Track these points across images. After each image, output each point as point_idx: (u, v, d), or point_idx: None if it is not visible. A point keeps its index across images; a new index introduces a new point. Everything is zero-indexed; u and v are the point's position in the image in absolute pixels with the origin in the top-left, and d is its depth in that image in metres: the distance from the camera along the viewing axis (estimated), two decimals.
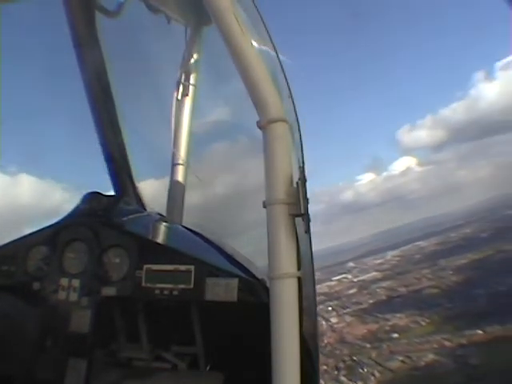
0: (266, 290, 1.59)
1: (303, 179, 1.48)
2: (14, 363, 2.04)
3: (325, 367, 31.60)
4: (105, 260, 2.16)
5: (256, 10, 1.61)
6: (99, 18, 2.52)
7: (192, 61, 2.89)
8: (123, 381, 2.19)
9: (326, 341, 37.16)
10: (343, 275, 59.16)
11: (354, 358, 34.96)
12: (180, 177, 2.82)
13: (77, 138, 3.32)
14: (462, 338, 33.47)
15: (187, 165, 2.84)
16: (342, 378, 32.23)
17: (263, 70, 1.50)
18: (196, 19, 2.84)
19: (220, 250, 2.25)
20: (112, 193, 2.79)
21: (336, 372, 32.85)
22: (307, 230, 1.49)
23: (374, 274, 58.26)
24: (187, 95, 2.89)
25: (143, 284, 2.03)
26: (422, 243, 69.28)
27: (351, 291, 52.42)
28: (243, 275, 1.94)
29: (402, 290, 48.41)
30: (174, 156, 2.85)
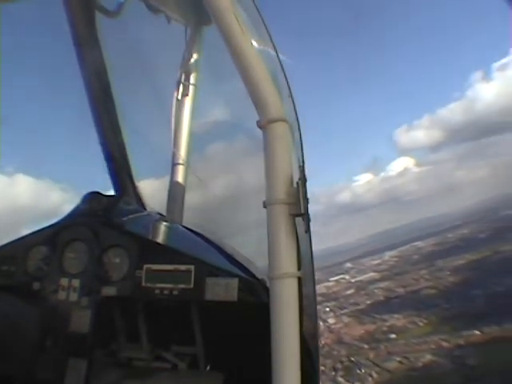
0: (266, 289, 1.59)
1: (303, 179, 1.48)
2: (14, 363, 2.03)
3: (322, 368, 31.57)
4: (105, 260, 2.16)
5: (256, 10, 1.61)
6: (99, 17, 2.52)
7: (192, 61, 2.88)
8: (123, 381, 2.19)
9: (323, 341, 37.13)
10: (341, 276, 59.16)
11: (352, 358, 34.97)
12: (180, 177, 2.82)
13: (77, 137, 3.32)
14: (460, 339, 33.55)
15: (187, 165, 2.84)
16: (340, 379, 32.25)
17: (263, 70, 1.50)
18: (196, 19, 2.84)
19: (220, 249, 2.25)
20: (112, 193, 2.79)
21: (333, 373, 32.86)
22: (307, 230, 1.49)
23: (372, 274, 58.32)
24: (187, 95, 2.89)
25: (143, 284, 2.03)
26: (419, 244, 69.36)
27: (349, 292, 52.44)
28: (243, 275, 1.95)
29: (400, 290, 48.46)
30: (174, 156, 2.85)
